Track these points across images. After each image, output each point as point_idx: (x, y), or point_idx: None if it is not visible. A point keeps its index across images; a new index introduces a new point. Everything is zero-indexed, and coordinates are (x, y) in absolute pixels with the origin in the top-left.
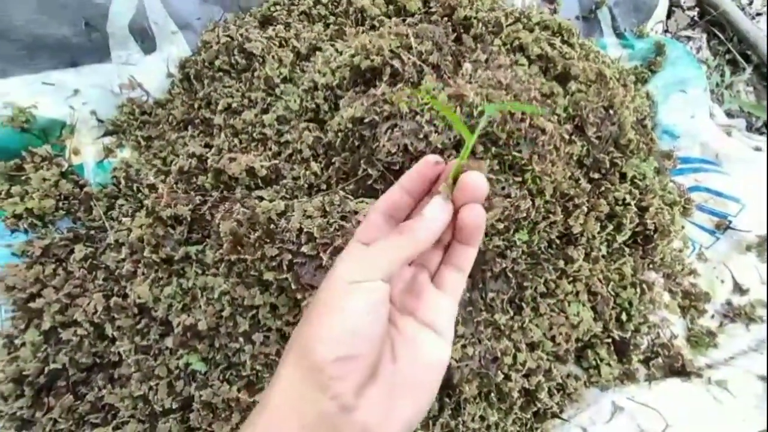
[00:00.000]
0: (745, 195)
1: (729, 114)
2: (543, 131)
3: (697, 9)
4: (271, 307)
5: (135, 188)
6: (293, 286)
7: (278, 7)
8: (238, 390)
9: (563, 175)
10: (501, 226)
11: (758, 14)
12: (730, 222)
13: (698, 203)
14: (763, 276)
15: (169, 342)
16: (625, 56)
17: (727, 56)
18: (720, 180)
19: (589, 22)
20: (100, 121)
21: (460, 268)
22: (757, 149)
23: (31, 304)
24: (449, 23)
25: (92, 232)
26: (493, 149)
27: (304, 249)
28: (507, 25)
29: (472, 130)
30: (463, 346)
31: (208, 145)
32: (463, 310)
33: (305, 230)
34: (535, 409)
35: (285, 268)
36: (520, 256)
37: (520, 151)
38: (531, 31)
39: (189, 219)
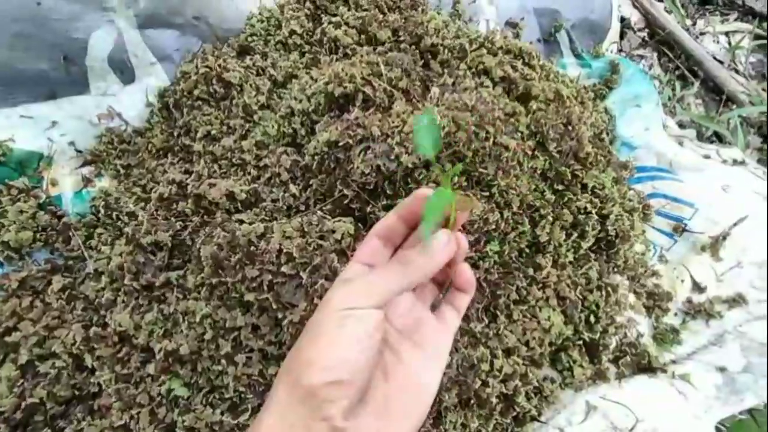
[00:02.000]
0: (698, 199)
1: (681, 125)
2: (506, 148)
3: (647, 30)
4: (253, 327)
5: (114, 216)
6: (274, 306)
7: (255, 38)
8: (222, 413)
9: (528, 188)
10: (471, 238)
11: (702, 33)
12: (686, 225)
13: (657, 209)
14: (717, 274)
15: (150, 369)
16: (584, 75)
17: (677, 72)
18: (675, 186)
19: (549, 45)
20: (78, 151)
21: (458, 309)
22: (707, 157)
23: (7, 338)
24: (417, 51)
25: (70, 262)
26: (461, 166)
27: (284, 269)
28: (471, 51)
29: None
30: None
31: (188, 172)
32: None
33: (285, 251)
34: (514, 413)
35: (265, 288)
36: (493, 266)
37: (486, 168)
38: (495, 55)
39: (170, 245)
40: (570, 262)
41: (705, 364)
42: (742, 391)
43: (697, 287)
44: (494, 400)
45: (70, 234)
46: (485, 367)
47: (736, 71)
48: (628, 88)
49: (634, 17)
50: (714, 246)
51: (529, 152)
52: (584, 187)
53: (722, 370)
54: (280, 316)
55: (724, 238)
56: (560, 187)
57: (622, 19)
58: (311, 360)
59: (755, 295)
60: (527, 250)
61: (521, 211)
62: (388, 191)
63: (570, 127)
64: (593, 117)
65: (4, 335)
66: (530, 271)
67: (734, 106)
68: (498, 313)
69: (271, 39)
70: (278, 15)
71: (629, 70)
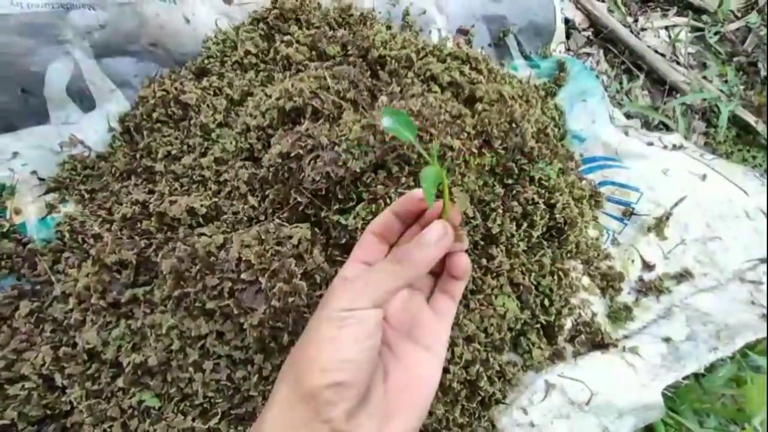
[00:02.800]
0: (642, 184)
1: (628, 116)
2: (451, 148)
3: (591, 29)
4: (218, 334)
5: (80, 240)
6: (236, 311)
7: (212, 60)
8: (193, 419)
9: (476, 183)
10: None
11: (643, 29)
12: (633, 209)
13: (607, 195)
14: (664, 252)
15: (120, 382)
16: (534, 75)
17: (623, 66)
18: (621, 173)
19: (500, 49)
20: (41, 179)
21: (453, 296)
22: (650, 144)
23: None
24: (365, 63)
25: (38, 287)
26: (407, 168)
27: (243, 276)
28: (418, 59)
29: (385, 153)
30: None
31: (151, 191)
32: None
33: (244, 258)
34: (479, 398)
35: (226, 295)
36: None
37: None
38: (443, 62)
39: (134, 263)
40: (523, 251)
41: (652, 336)
42: (684, 357)
43: (647, 266)
44: (456, 385)
45: (36, 260)
46: (447, 355)
47: (677, 63)
48: (575, 85)
49: (578, 18)
50: (659, 226)
51: (475, 150)
52: (531, 179)
53: (667, 340)
54: (242, 321)
55: (667, 218)
56: (509, 181)
57: (567, 21)
58: (312, 361)
59: (699, 269)
60: (481, 242)
61: (472, 206)
62: (339, 195)
63: (513, 125)
64: (537, 114)
65: None
66: (484, 261)
67: (678, 95)
68: None
69: (227, 60)
70: (233, 37)
71: (575, 68)
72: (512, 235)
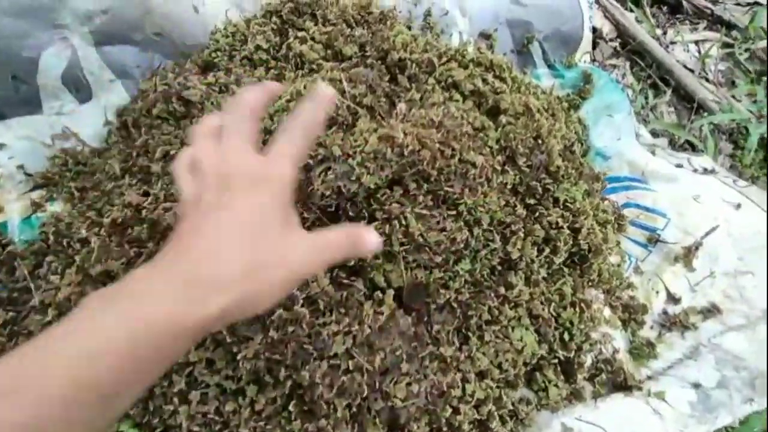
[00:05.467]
0: (670, 209)
1: (654, 133)
2: (473, 165)
3: (618, 40)
4: (207, 362)
5: (65, 243)
6: (228, 339)
7: (219, 53)
8: None
9: (498, 204)
10: (439, 259)
11: (672, 43)
12: (659, 235)
13: (631, 219)
14: (691, 284)
15: None
16: (557, 85)
17: (649, 81)
18: (648, 196)
19: (523, 56)
20: (28, 174)
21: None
22: (679, 166)
23: None
24: (384, 65)
25: (15, 294)
26: (426, 186)
27: None
28: (440, 64)
29: (403, 168)
30: (408, 384)
31: (146, 194)
32: (408, 346)
33: None
34: None
35: None
36: (463, 286)
37: (452, 186)
38: (465, 68)
39: (122, 274)
40: (543, 278)
41: (680, 379)
42: (716, 408)
43: (672, 298)
44: (467, 427)
45: (15, 264)
46: (457, 393)
47: (706, 79)
48: (601, 98)
49: (606, 28)
50: (687, 256)
51: (498, 167)
52: (555, 201)
53: (697, 386)
54: (235, 350)
55: (697, 248)
56: (531, 202)
57: (594, 30)
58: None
59: (729, 305)
60: (499, 268)
61: (491, 228)
62: (350, 213)
63: (539, 141)
64: (564, 129)
65: None
66: (502, 290)
67: (705, 114)
68: (470, 334)
69: (236, 54)
70: (244, 30)
71: (601, 80)
72: (532, 261)
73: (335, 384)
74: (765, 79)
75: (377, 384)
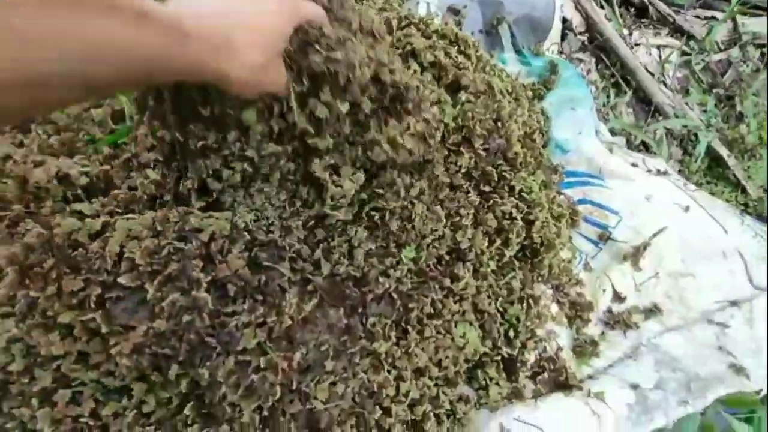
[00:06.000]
0: (623, 208)
1: (612, 132)
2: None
3: (587, 34)
4: (80, 355)
5: None
6: (104, 329)
7: None
8: None
9: (444, 184)
10: (383, 243)
11: (636, 44)
12: (611, 233)
13: (584, 215)
14: (636, 283)
15: None
16: (524, 72)
17: (612, 80)
18: (602, 193)
19: (491, 37)
20: None
21: None
22: (634, 165)
23: None
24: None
25: None
26: None
27: (122, 280)
28: (399, 28)
29: None
30: (332, 384)
31: (22, 145)
32: (337, 341)
33: (126, 255)
34: None
35: (92, 305)
36: (406, 275)
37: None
38: (428, 38)
39: None
40: (492, 271)
41: (619, 379)
42: (652, 409)
43: (618, 297)
44: (398, 429)
45: None
46: (391, 392)
47: (665, 84)
48: (565, 90)
49: (576, 20)
50: (635, 255)
51: (453, 147)
52: (511, 189)
53: (635, 387)
54: (112, 341)
55: (645, 248)
56: (486, 189)
57: (564, 20)
58: None
59: (669, 306)
60: (446, 257)
61: (439, 211)
62: None
63: (499, 124)
64: (526, 115)
65: None
66: (447, 282)
67: (661, 118)
68: (409, 328)
69: None
70: None
71: (567, 72)
72: (482, 252)
73: (242, 383)
74: (715, 91)
75: (294, 383)
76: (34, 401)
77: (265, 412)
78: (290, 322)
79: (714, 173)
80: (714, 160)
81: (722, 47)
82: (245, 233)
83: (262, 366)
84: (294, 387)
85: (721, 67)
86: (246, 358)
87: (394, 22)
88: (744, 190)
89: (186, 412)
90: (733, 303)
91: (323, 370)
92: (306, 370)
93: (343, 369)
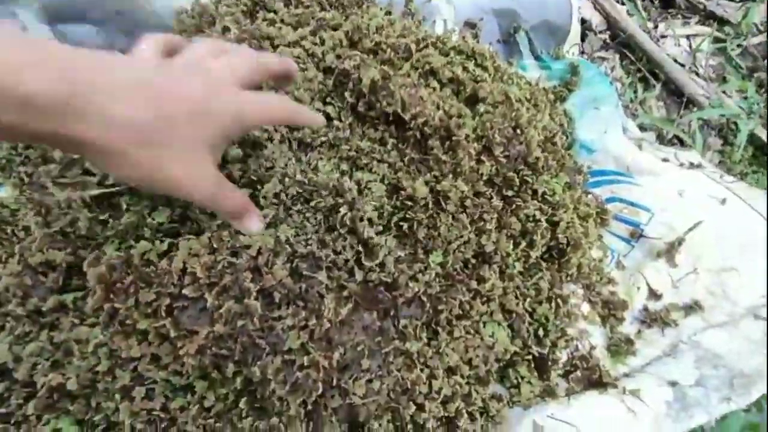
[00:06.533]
0: (654, 204)
1: (642, 128)
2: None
3: (608, 32)
4: (153, 357)
5: (10, 232)
6: (173, 334)
7: (185, 35)
8: None
9: (467, 194)
10: (411, 250)
11: (663, 37)
12: (642, 230)
13: (615, 213)
14: (673, 280)
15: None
16: (544, 77)
17: (639, 75)
18: (633, 191)
19: (509, 46)
20: None
21: None
22: (665, 160)
23: None
24: (356, 50)
25: None
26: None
27: (186, 291)
28: (417, 50)
29: None
30: (369, 381)
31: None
32: (372, 342)
33: (189, 270)
34: None
35: (163, 314)
36: (434, 279)
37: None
38: (446, 55)
39: (65, 265)
40: (519, 273)
41: (657, 377)
42: (692, 406)
43: (653, 294)
44: (433, 424)
45: None
46: (424, 389)
47: (697, 74)
48: (588, 90)
49: (596, 20)
50: (670, 252)
51: (473, 155)
52: (534, 193)
53: (674, 384)
54: (179, 344)
55: (680, 244)
56: (509, 194)
57: (583, 21)
58: None
59: (711, 302)
60: (473, 261)
61: (465, 217)
62: None
63: (518, 131)
64: (546, 120)
65: None
66: (474, 284)
67: (695, 109)
68: (439, 329)
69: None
70: (212, 11)
71: (589, 72)
72: (508, 255)
73: (288, 380)
74: (756, 75)
75: (334, 380)
76: (117, 397)
77: (309, 407)
78: (329, 325)
79: (760, 162)
80: (759, 148)
81: (761, 29)
82: (287, 246)
83: (305, 364)
84: (334, 383)
85: (761, 50)
86: (291, 357)
87: (413, 46)
88: None
89: (241, 406)
90: None
91: (360, 368)
92: (344, 369)
93: (378, 367)
